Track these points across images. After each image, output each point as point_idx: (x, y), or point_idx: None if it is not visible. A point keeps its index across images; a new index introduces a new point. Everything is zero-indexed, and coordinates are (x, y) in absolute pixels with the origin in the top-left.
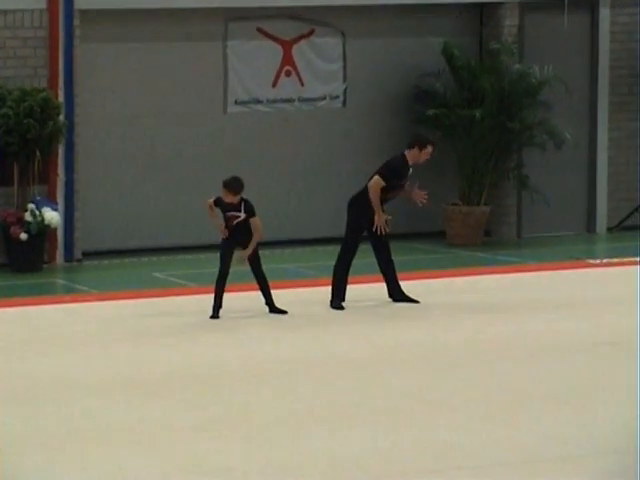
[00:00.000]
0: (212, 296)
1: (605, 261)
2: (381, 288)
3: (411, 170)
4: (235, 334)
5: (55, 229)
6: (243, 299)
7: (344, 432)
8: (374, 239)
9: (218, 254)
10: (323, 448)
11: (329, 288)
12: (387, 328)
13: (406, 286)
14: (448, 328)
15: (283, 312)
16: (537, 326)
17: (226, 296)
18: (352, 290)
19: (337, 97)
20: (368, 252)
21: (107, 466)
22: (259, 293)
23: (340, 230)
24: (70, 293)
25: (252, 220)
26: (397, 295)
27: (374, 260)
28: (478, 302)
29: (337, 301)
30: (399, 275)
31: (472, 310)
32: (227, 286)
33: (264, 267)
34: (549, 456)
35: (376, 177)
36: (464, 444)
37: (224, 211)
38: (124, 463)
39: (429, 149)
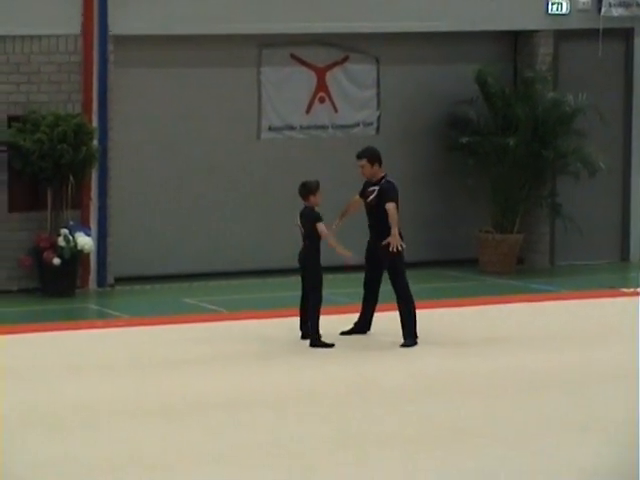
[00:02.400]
0: (243, 322)
1: (639, 290)
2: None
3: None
4: (266, 361)
5: (88, 254)
6: (277, 326)
7: (373, 459)
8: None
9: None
10: (351, 475)
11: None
12: (419, 356)
13: (438, 314)
14: (480, 356)
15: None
16: (570, 356)
17: (263, 322)
18: (382, 317)
19: (371, 124)
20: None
21: None
22: (295, 318)
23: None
24: (102, 318)
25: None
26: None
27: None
28: (510, 331)
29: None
30: (432, 302)
31: (504, 339)
32: (259, 311)
33: (296, 293)
34: None
35: (392, 204)
36: (493, 472)
37: None
38: None
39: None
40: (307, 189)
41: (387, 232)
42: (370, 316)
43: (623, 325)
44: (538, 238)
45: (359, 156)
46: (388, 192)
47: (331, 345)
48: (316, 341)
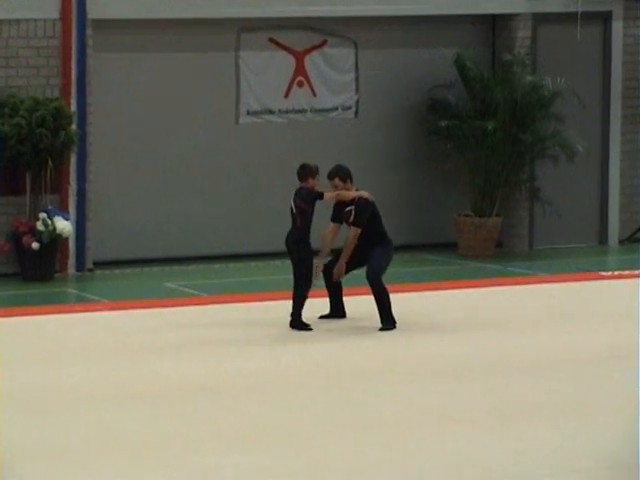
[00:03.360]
0: (224, 306)
1: (617, 273)
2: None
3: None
4: (247, 345)
5: (67, 238)
6: (258, 310)
7: (356, 443)
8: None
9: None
10: (336, 459)
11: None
12: (398, 339)
13: (417, 297)
14: (458, 340)
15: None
16: (548, 338)
17: (244, 306)
18: (362, 302)
19: (349, 108)
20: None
21: (116, 477)
22: (277, 302)
23: None
24: (81, 303)
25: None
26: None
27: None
28: (489, 314)
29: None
30: (411, 286)
31: (483, 322)
32: (240, 295)
33: (282, 277)
34: (559, 469)
35: (357, 230)
36: (474, 457)
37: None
38: (132, 474)
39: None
40: (306, 170)
41: (377, 239)
42: (340, 303)
43: (601, 308)
44: (517, 222)
45: (330, 176)
46: (362, 214)
47: (309, 328)
48: (296, 322)
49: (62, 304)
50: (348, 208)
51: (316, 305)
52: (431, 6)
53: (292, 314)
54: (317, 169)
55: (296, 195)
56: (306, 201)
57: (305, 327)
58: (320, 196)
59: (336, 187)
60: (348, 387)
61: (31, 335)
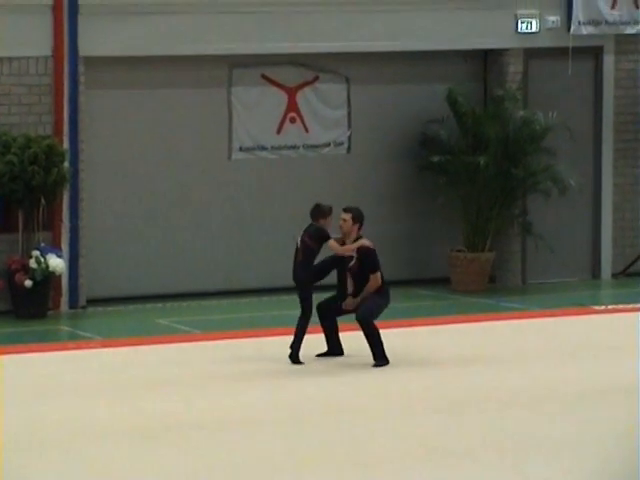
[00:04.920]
0: (216, 342)
1: (610, 307)
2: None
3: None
4: (240, 382)
5: (59, 276)
6: (250, 346)
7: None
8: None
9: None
10: None
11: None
12: (392, 375)
13: (410, 333)
14: (453, 375)
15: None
16: (542, 373)
17: (237, 343)
18: (354, 339)
19: (342, 144)
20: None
21: None
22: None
23: None
24: (74, 340)
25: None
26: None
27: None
28: (482, 349)
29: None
30: (404, 321)
31: (476, 357)
32: (233, 331)
33: (274, 313)
34: None
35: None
36: None
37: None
38: None
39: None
40: (320, 212)
41: (376, 290)
42: (337, 340)
43: (594, 342)
44: (509, 256)
45: (346, 209)
46: (371, 259)
47: (301, 363)
48: (294, 357)
49: (55, 341)
50: (351, 263)
51: (314, 342)
52: (422, 42)
53: (292, 350)
54: (330, 210)
55: (305, 231)
56: (314, 239)
57: (297, 362)
58: (327, 238)
59: (344, 221)
60: (344, 423)
61: (24, 372)
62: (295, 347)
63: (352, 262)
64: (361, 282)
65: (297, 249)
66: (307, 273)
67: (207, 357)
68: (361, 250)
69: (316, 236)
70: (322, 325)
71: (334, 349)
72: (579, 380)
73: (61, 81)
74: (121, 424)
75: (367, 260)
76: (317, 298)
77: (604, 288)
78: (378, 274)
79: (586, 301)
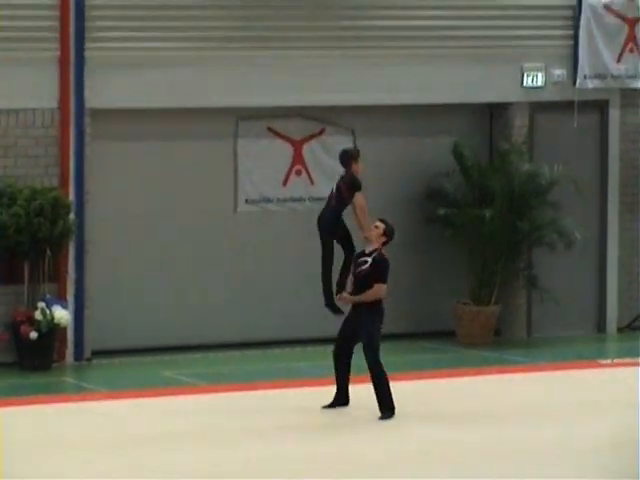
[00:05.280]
0: (221, 395)
1: (615, 361)
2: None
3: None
4: (245, 434)
5: (65, 328)
6: (256, 399)
7: None
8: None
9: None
10: None
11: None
12: (398, 429)
13: (416, 386)
14: (459, 429)
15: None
16: (549, 426)
17: (241, 395)
18: (360, 390)
19: None
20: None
21: None
22: (274, 391)
23: None
24: (79, 392)
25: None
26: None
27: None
28: (487, 403)
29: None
30: (410, 374)
31: (481, 411)
32: (237, 384)
33: (279, 365)
34: None
35: (382, 286)
36: None
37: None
38: None
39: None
40: (350, 155)
41: (370, 304)
42: (346, 388)
43: (601, 396)
44: (515, 310)
45: (382, 220)
46: (383, 271)
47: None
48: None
49: (60, 393)
50: (363, 258)
51: (319, 394)
52: (428, 95)
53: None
54: (358, 152)
55: (341, 179)
56: (350, 188)
57: (337, 311)
58: (359, 188)
59: (377, 227)
60: (350, 475)
61: (29, 425)
62: (327, 297)
63: (365, 266)
64: (362, 288)
65: (331, 195)
66: (335, 220)
67: (211, 409)
68: (378, 257)
69: (351, 185)
70: (336, 369)
71: (340, 399)
72: (585, 434)
73: (67, 133)
74: (126, 477)
75: (379, 268)
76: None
77: (609, 342)
78: (384, 286)
79: (592, 355)
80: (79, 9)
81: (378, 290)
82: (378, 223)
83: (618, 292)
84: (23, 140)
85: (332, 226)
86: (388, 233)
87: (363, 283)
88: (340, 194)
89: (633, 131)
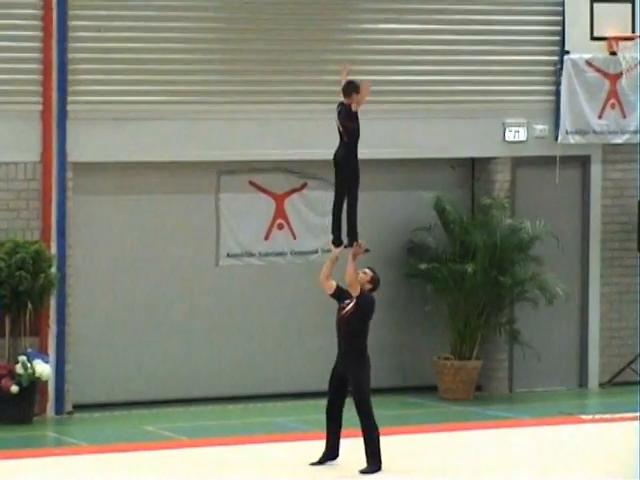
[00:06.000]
0: (202, 449)
1: (597, 417)
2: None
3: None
4: None
5: (46, 381)
6: (240, 452)
7: None
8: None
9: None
10: None
11: (320, 442)
12: None
13: (397, 441)
14: None
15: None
16: None
17: (223, 449)
18: (346, 443)
19: (329, 250)
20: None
21: None
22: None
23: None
24: (60, 446)
25: None
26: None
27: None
28: (468, 458)
29: None
30: (391, 428)
31: (462, 466)
32: (219, 438)
33: (262, 419)
34: None
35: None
36: None
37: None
38: None
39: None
40: (354, 86)
41: (357, 351)
42: (337, 442)
43: (583, 452)
44: (497, 364)
45: (370, 269)
46: (366, 312)
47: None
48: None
49: (41, 447)
50: (348, 301)
51: (303, 448)
52: (410, 150)
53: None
54: (359, 84)
55: (339, 113)
56: (350, 118)
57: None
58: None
59: (365, 274)
60: None
61: (9, 479)
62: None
63: (349, 306)
64: (350, 332)
65: (340, 131)
66: (351, 155)
67: (192, 464)
68: (362, 296)
69: (347, 115)
70: (328, 425)
71: (330, 453)
72: None
73: (49, 186)
74: None
75: (364, 304)
76: None
77: (591, 397)
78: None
79: (573, 410)
80: (62, 62)
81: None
82: (366, 270)
83: (600, 347)
84: (4, 193)
85: (349, 161)
86: (375, 281)
87: (348, 323)
88: (346, 129)
89: (614, 187)
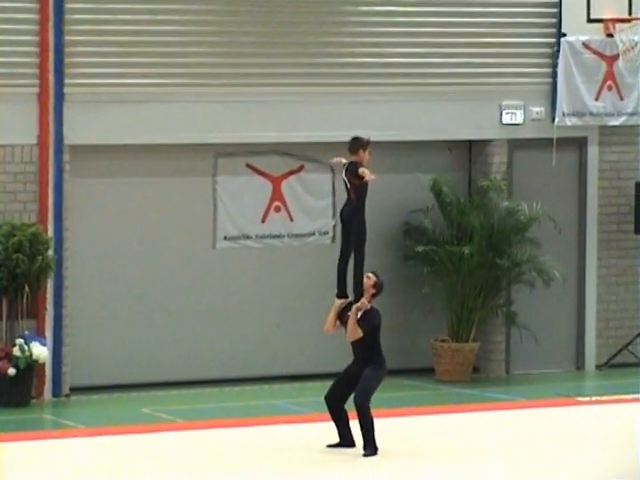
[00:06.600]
0: (199, 432)
1: (594, 399)
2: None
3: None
4: (224, 473)
5: (43, 364)
6: (237, 435)
7: None
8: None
9: None
10: None
11: (317, 424)
12: (379, 466)
13: (393, 423)
14: (438, 467)
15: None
16: (528, 464)
17: (220, 432)
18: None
19: (326, 233)
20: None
21: None
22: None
23: (328, 366)
24: (57, 429)
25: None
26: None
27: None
28: (465, 441)
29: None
30: (389, 411)
31: (460, 449)
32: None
33: (258, 402)
34: None
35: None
36: None
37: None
38: None
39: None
40: (360, 143)
41: (372, 357)
42: (347, 432)
43: (579, 434)
44: (494, 347)
45: (374, 273)
46: (374, 329)
47: None
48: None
49: (38, 430)
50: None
51: (299, 431)
52: (407, 132)
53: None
54: (368, 141)
55: (347, 171)
56: (355, 176)
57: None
58: (361, 165)
59: (368, 278)
60: None
61: (6, 462)
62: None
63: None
64: (362, 342)
65: (347, 189)
66: (358, 211)
67: (190, 447)
68: (365, 318)
69: (355, 173)
70: (332, 417)
71: (346, 441)
72: (563, 472)
73: (46, 169)
74: None
75: (371, 327)
76: None
77: (588, 379)
78: (362, 331)
79: (570, 392)
80: (58, 45)
81: (353, 329)
82: (370, 274)
83: (596, 329)
84: (1, 176)
85: (356, 220)
86: (378, 286)
87: (358, 341)
88: (353, 186)
89: (611, 169)
